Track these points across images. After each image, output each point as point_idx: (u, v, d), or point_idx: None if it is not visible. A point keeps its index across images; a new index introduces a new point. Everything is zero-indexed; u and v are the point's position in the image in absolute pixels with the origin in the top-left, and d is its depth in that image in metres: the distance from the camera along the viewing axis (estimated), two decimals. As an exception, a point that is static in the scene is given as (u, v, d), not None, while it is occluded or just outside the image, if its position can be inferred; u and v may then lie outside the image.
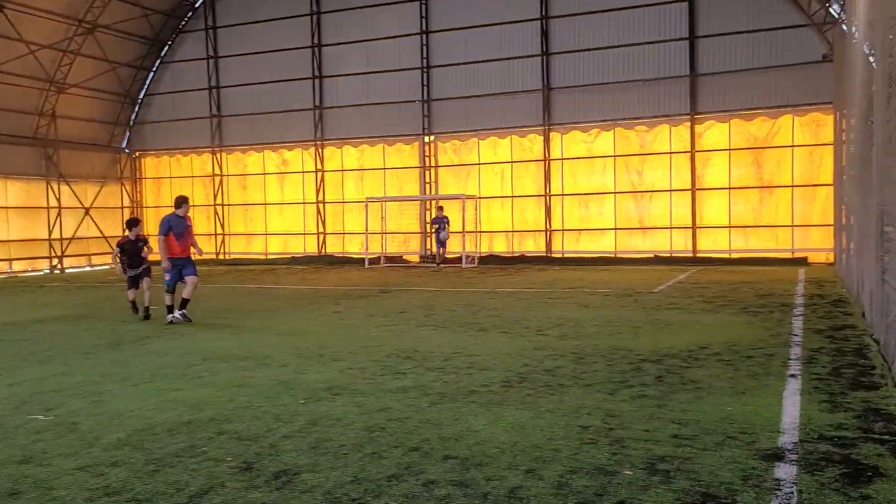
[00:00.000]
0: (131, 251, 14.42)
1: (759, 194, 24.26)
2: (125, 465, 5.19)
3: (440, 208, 26.10)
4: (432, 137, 28.47)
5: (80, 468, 5.17)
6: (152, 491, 4.69)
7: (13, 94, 28.33)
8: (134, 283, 14.45)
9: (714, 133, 24.67)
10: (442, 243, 26.03)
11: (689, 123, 24.78)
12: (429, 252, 28.52)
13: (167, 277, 13.10)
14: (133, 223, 14.49)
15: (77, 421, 6.43)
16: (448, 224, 25.92)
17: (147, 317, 13.79)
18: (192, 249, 13.40)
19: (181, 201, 13.38)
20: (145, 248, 14.52)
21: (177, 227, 13.05)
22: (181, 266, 13.18)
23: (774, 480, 4.56)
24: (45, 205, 29.65)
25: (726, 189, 24.57)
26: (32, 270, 29.34)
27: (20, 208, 29.10)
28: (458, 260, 25.85)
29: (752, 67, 23.79)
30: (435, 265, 25.88)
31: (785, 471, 4.72)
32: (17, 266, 28.80)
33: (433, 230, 26.37)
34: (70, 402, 7.18)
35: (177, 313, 12.95)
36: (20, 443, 5.83)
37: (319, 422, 6.17)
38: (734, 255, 24.30)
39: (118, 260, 14.59)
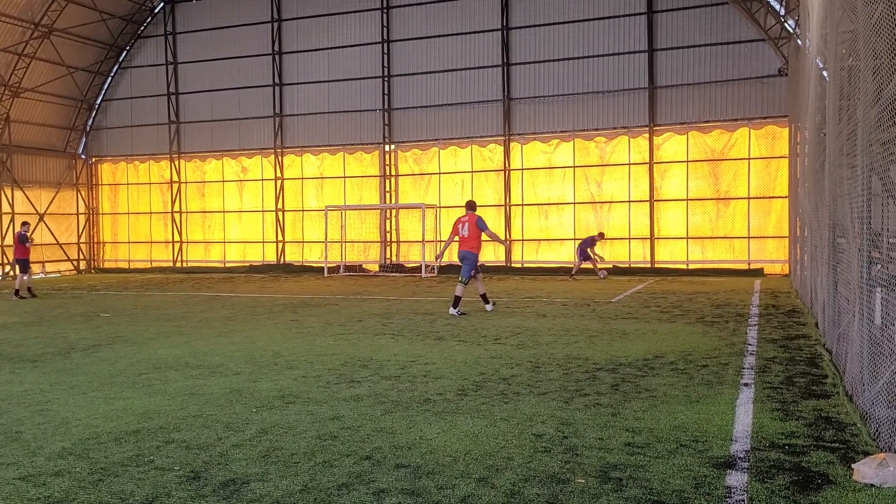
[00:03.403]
0: None
1: (716, 206, 24.66)
2: (68, 475, 5.06)
3: (601, 235, 23.77)
4: (393, 146, 28.42)
5: (22, 478, 5.03)
6: (95, 501, 4.58)
7: (-36, 96, 27.65)
8: None
9: (672, 145, 25.03)
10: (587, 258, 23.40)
11: (647, 135, 25.10)
12: (388, 261, 28.42)
13: (472, 271, 14.07)
14: None
15: (21, 430, 6.26)
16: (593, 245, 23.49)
17: None
18: None
19: (474, 204, 14.89)
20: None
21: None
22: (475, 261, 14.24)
23: (726, 488, 4.58)
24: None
25: (684, 200, 24.92)
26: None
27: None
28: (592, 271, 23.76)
29: (709, 81, 24.23)
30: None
31: (736, 478, 4.75)
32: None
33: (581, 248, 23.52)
34: (15, 410, 6.99)
35: (489, 307, 14.40)
36: (-41, 453, 5.64)
37: (271, 430, 6.06)
38: (691, 266, 24.63)
39: None
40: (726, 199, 24.50)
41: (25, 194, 30.10)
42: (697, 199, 24.78)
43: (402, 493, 4.60)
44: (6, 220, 29.20)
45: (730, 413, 6.36)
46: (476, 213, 14.61)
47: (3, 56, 27.92)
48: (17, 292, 19.72)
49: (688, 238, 24.98)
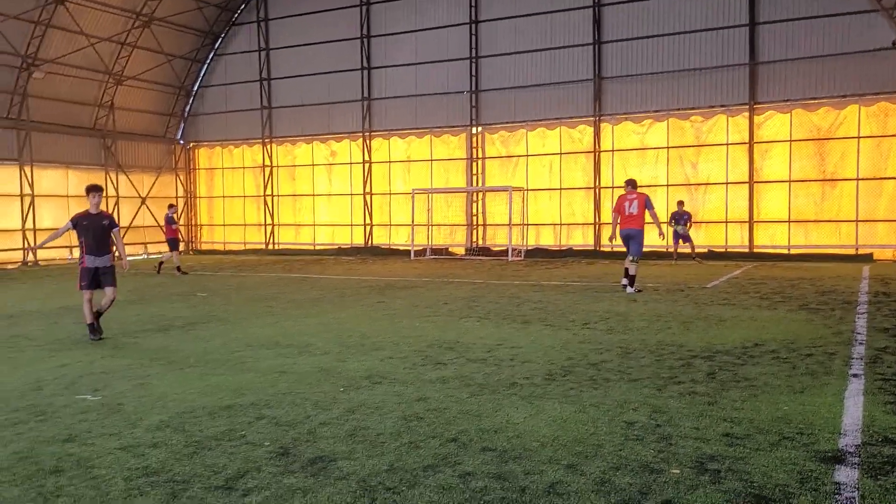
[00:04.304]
0: (93, 229, 9.92)
1: (822, 188, 23.41)
2: (165, 447, 5.22)
3: (681, 203, 23.02)
4: (480, 129, 28.22)
5: (122, 448, 5.22)
6: (190, 473, 4.70)
7: (74, 85, 29.06)
8: (93, 280, 10.00)
9: (774, 124, 23.87)
10: (681, 237, 22.73)
11: (747, 114, 24.04)
12: (475, 244, 28.32)
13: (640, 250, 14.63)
14: (95, 189, 10.14)
15: (122, 402, 6.51)
16: (690, 220, 22.75)
17: (99, 335, 10.00)
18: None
19: (635, 182, 15.25)
20: (113, 235, 10.21)
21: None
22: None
23: (834, 484, 4.30)
24: (104, 194, 30.22)
25: (786, 182, 23.77)
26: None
27: (80, 196, 29.74)
28: (689, 255, 23.13)
29: (816, 55, 22.88)
30: (671, 260, 23.22)
31: (846, 474, 4.45)
32: (75, 252, 29.51)
33: (672, 225, 22.65)
34: (117, 383, 7.27)
35: (631, 289, 14.41)
36: (66, 422, 5.92)
37: (358, 410, 6.08)
38: (794, 251, 23.51)
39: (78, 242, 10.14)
40: (833, 180, 23.21)
41: (129, 178, 31.47)
42: (801, 180, 23.58)
43: (488, 476, 4.51)
44: (112, 202, 30.60)
45: (838, 405, 5.97)
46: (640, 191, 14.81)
47: (107, 45, 29.16)
48: (178, 268, 21.62)
49: (790, 221, 23.84)
